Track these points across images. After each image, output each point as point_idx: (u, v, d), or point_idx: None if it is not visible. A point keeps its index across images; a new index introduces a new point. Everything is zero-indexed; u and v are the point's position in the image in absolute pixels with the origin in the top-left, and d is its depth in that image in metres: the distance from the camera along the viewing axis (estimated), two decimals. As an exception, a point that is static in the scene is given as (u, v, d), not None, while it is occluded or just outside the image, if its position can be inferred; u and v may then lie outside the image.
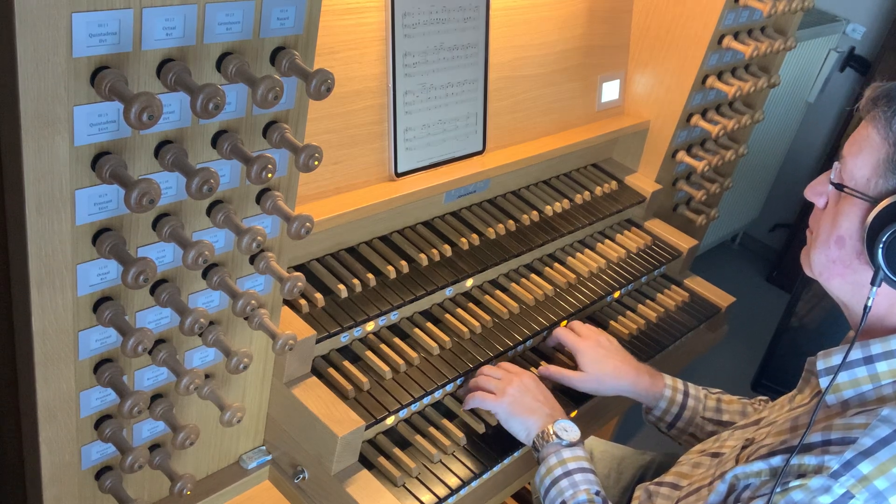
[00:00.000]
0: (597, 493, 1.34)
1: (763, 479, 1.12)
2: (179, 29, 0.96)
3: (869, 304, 1.09)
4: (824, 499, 1.01)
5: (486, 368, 1.56)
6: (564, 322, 1.77)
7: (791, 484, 1.04)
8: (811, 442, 1.08)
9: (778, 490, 1.05)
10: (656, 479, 1.42)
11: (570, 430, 1.42)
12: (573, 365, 1.65)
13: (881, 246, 1.05)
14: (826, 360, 1.16)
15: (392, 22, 1.53)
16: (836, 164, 1.16)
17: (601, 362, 1.61)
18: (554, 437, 1.40)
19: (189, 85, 0.94)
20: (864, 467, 1.01)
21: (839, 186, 1.13)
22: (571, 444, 1.40)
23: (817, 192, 1.19)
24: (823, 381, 1.15)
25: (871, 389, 1.11)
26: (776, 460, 1.11)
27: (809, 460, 1.05)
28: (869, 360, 1.10)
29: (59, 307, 1.01)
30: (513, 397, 1.47)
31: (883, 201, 1.07)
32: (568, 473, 1.36)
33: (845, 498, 1.00)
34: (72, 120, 0.91)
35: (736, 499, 1.14)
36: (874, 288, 1.08)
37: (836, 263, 1.14)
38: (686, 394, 1.62)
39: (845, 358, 1.12)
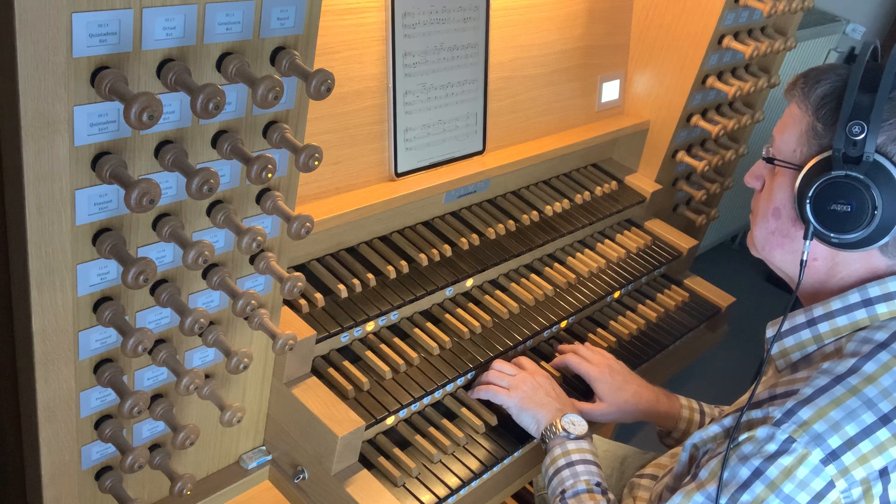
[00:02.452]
0: (597, 485, 1.35)
1: (718, 441, 1.17)
2: (179, 29, 0.96)
3: (804, 259, 1.14)
4: (770, 447, 1.05)
5: (499, 363, 1.57)
6: (564, 322, 1.77)
7: (741, 438, 1.09)
8: (759, 399, 1.13)
9: (731, 446, 1.09)
10: (638, 472, 1.44)
11: (577, 425, 1.45)
12: (580, 380, 1.66)
13: (808, 201, 1.11)
14: (773, 328, 1.21)
15: (392, 22, 1.53)
16: (766, 146, 1.23)
17: (621, 389, 1.61)
18: (561, 430, 1.44)
19: (189, 85, 0.94)
20: (804, 413, 1.04)
21: (770, 160, 1.20)
22: (578, 438, 1.43)
23: (754, 175, 1.26)
24: (773, 348, 1.20)
25: (815, 350, 1.16)
26: (728, 420, 1.16)
27: (756, 414, 1.10)
28: (812, 323, 1.16)
29: (59, 307, 1.01)
30: (525, 393, 1.52)
31: (808, 164, 1.13)
32: (570, 464, 1.39)
33: (787, 443, 1.04)
34: (72, 120, 0.91)
35: (697, 465, 1.18)
36: (807, 242, 1.13)
37: (774, 234, 1.20)
38: (702, 413, 1.63)
39: (780, 327, 1.18)
